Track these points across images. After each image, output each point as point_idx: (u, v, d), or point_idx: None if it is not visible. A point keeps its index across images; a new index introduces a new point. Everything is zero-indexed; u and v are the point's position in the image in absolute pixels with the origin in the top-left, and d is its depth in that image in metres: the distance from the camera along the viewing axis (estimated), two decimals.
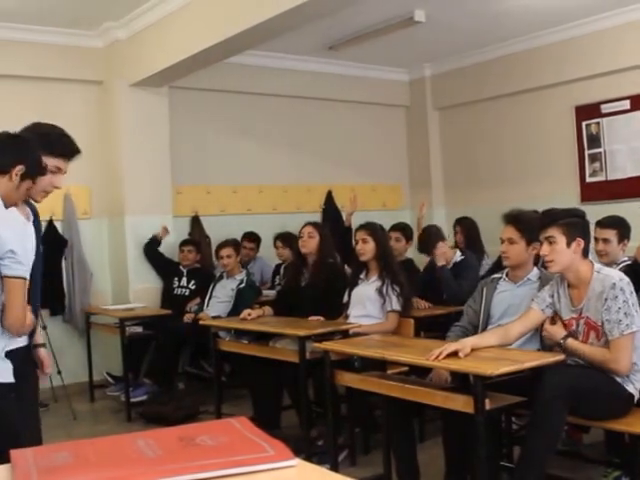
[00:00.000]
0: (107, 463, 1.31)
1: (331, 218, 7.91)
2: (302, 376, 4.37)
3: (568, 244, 3.33)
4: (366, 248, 4.80)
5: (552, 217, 3.42)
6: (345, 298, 4.94)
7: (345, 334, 4.39)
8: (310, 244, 5.15)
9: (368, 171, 8.63)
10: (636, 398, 3.34)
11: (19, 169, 2.55)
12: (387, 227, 6.29)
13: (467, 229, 6.57)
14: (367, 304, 4.77)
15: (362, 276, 4.91)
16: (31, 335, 2.84)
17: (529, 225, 3.81)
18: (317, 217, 7.61)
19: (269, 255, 7.34)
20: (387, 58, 8.36)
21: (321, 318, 4.74)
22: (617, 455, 3.81)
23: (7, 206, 2.55)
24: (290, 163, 8.14)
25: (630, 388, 3.30)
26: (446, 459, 3.65)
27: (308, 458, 4.22)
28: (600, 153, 7.43)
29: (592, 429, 3.86)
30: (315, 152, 8.29)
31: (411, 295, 4.95)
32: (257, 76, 7.70)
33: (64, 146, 2.84)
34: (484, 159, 8.43)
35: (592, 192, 7.40)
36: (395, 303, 4.70)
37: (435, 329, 4.94)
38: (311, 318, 4.74)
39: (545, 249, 3.36)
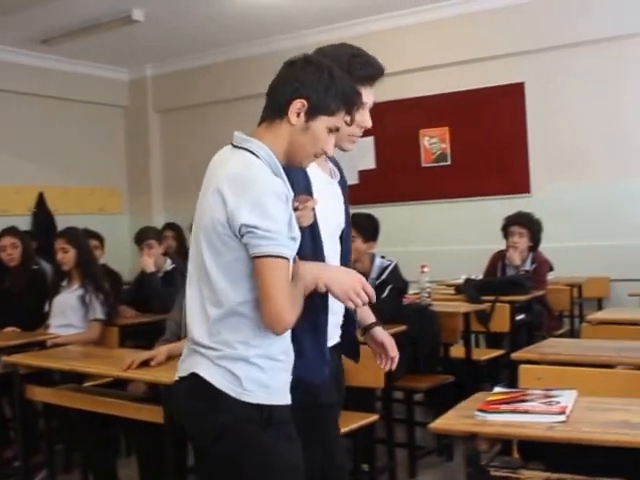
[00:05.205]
0: None
1: (42, 222, 7.48)
2: None
3: None
4: (67, 258, 4.57)
5: None
6: (46, 307, 4.67)
7: (43, 345, 4.12)
8: (16, 255, 4.96)
9: (84, 173, 8.13)
10: None
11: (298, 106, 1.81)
12: (106, 233, 6.04)
13: (178, 234, 6.47)
14: (69, 313, 4.54)
15: (64, 284, 4.64)
16: (350, 320, 2.13)
17: None
18: (27, 220, 7.32)
19: None
20: (106, 56, 7.92)
21: (16, 329, 4.48)
22: None
23: (294, 163, 1.89)
24: None
25: None
26: (140, 471, 3.51)
27: None
28: None
29: None
30: (25, 152, 7.64)
31: (116, 303, 4.81)
32: None
33: (363, 68, 2.01)
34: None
35: None
36: (99, 312, 4.52)
37: (142, 337, 4.70)
38: (6, 329, 4.48)
39: None
